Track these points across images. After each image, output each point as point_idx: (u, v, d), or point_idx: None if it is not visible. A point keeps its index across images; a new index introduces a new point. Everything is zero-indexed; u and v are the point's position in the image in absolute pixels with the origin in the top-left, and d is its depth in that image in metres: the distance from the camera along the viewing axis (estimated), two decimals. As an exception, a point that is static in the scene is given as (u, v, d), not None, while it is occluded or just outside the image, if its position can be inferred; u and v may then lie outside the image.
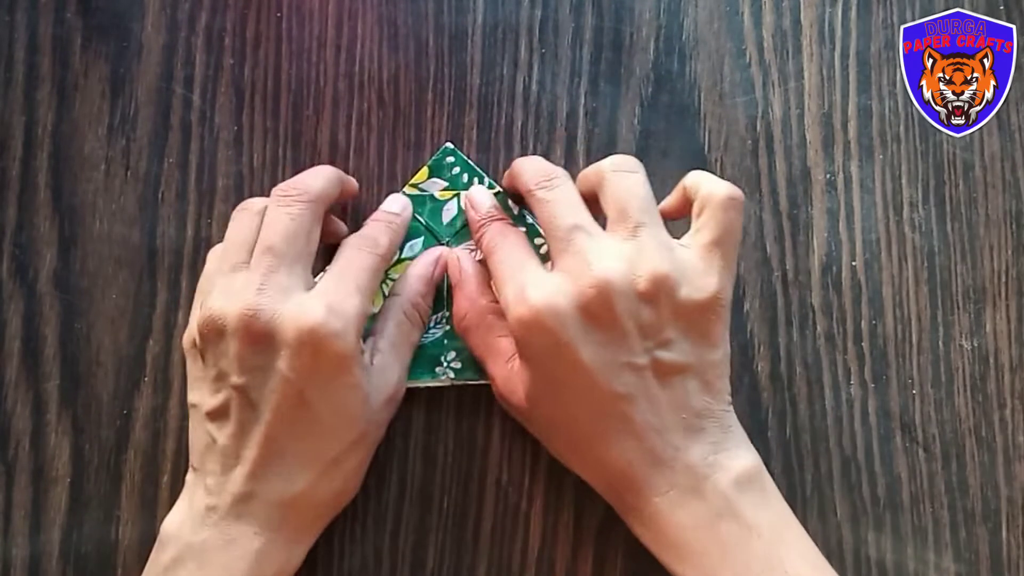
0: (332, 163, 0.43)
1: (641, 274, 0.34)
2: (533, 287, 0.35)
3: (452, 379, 0.40)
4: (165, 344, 0.42)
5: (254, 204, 0.38)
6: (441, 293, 0.41)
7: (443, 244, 0.41)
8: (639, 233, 0.35)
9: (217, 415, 0.35)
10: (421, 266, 0.40)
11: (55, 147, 0.43)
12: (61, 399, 0.42)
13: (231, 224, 0.38)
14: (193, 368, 0.37)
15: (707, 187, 0.36)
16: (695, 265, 0.35)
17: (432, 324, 0.41)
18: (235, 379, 0.34)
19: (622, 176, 0.36)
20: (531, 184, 0.37)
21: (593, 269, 0.34)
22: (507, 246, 0.38)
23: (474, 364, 0.40)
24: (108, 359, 0.42)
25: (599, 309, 0.34)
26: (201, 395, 0.36)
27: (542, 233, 0.41)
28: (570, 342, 0.34)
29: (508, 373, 0.38)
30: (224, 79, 0.43)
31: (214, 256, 0.39)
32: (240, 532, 0.34)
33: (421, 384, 0.41)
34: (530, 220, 0.42)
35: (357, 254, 0.37)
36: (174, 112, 0.43)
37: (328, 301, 0.34)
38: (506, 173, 0.40)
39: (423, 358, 0.40)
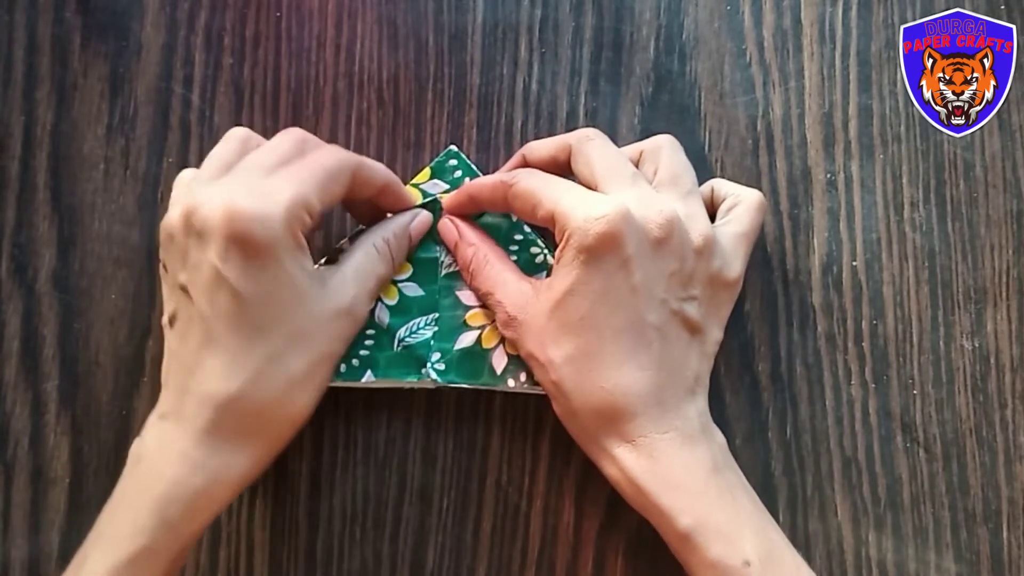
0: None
1: (695, 230, 0.37)
2: (602, 202, 0.35)
3: (436, 380, 0.40)
4: (164, 344, 0.42)
5: (241, 132, 0.38)
6: (433, 296, 0.41)
7: (439, 246, 0.41)
8: (690, 199, 0.38)
9: (172, 320, 0.36)
10: (404, 215, 0.40)
11: (54, 147, 0.43)
12: (60, 399, 0.42)
13: (217, 145, 0.38)
14: (164, 288, 0.37)
15: (741, 189, 0.40)
16: (726, 247, 0.38)
17: (421, 325, 0.41)
18: (180, 278, 0.35)
19: (674, 149, 0.39)
20: (578, 137, 0.39)
21: (662, 204, 0.36)
22: (542, 180, 0.38)
23: (457, 367, 0.40)
24: (107, 359, 0.42)
25: (662, 236, 0.35)
26: (167, 308, 0.37)
27: (539, 243, 0.41)
28: (631, 259, 0.35)
29: (523, 291, 0.38)
30: (223, 78, 0.43)
31: (181, 181, 0.38)
32: (175, 435, 0.34)
33: (406, 384, 0.40)
34: (527, 229, 0.41)
35: (315, 154, 0.37)
36: (173, 112, 0.43)
37: (257, 190, 0.34)
38: (518, 154, 0.41)
39: (409, 358, 0.40)
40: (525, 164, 0.40)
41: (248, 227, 0.33)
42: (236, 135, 0.38)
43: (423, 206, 0.41)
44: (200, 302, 0.34)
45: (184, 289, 0.35)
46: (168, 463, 0.34)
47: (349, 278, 0.37)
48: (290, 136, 0.37)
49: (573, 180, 0.38)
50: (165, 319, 0.37)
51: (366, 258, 0.38)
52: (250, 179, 0.35)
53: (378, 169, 0.39)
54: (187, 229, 0.34)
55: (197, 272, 0.34)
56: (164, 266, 0.36)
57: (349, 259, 0.38)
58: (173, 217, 0.35)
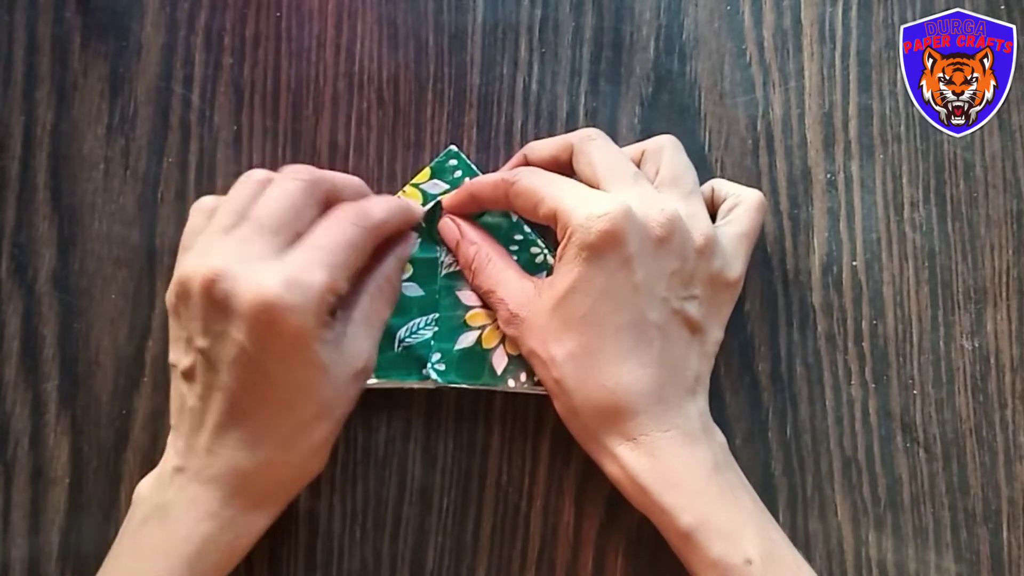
0: (332, 163, 0.43)
1: (696, 229, 0.37)
2: (604, 200, 0.35)
3: (437, 381, 0.40)
4: (164, 344, 0.42)
5: (258, 174, 0.36)
6: (432, 296, 0.41)
7: (439, 246, 0.41)
8: (691, 199, 0.38)
9: (188, 375, 0.35)
10: (399, 247, 0.40)
11: (54, 147, 0.43)
12: (60, 399, 0.42)
13: (232, 188, 0.36)
14: (173, 326, 0.36)
15: (741, 189, 0.40)
16: (727, 247, 0.38)
17: (421, 325, 0.41)
18: (199, 342, 0.34)
19: (676, 149, 0.39)
20: (579, 137, 0.39)
21: (664, 203, 0.36)
22: (543, 178, 0.38)
23: (457, 367, 0.40)
24: (107, 359, 0.42)
25: (664, 235, 0.36)
26: (177, 354, 0.36)
27: (540, 243, 0.41)
28: (632, 257, 0.35)
29: (525, 288, 0.38)
30: (223, 78, 0.43)
31: (200, 212, 0.37)
32: (202, 495, 0.35)
33: (406, 385, 0.40)
34: (528, 229, 0.42)
35: (337, 225, 0.35)
36: (173, 112, 0.43)
37: (289, 274, 0.33)
38: (520, 154, 0.41)
39: (410, 359, 0.40)
40: (526, 164, 0.40)
41: (281, 317, 0.32)
42: (255, 178, 0.36)
43: (427, 212, 0.41)
44: (224, 376, 0.34)
45: (203, 354, 0.34)
46: (197, 522, 0.34)
47: (362, 333, 0.37)
48: (300, 181, 0.36)
49: (575, 180, 0.38)
50: (177, 367, 0.36)
51: (372, 304, 0.37)
52: (271, 250, 0.34)
53: (393, 219, 0.38)
54: (207, 296, 0.33)
55: (220, 344, 0.33)
56: (177, 313, 0.35)
57: (358, 308, 0.37)
58: (193, 278, 0.33)
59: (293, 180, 0.36)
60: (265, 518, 0.36)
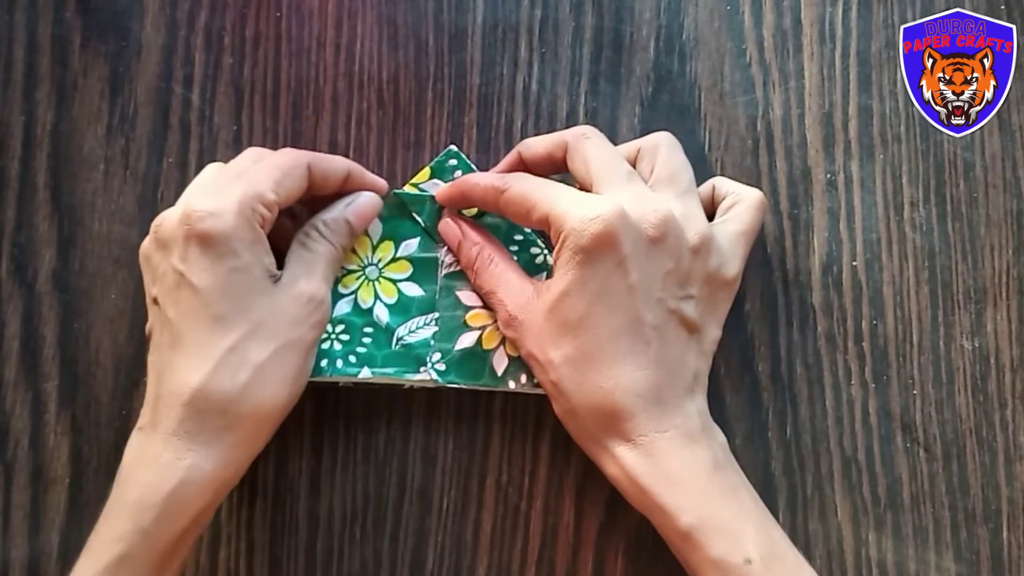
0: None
1: (691, 228, 0.37)
2: (597, 202, 0.35)
3: (435, 380, 0.40)
4: (164, 344, 0.42)
5: (254, 153, 0.40)
6: (432, 296, 0.41)
7: (439, 246, 0.41)
8: (687, 198, 0.38)
9: (149, 336, 0.37)
10: (339, 200, 0.40)
11: (54, 147, 0.43)
12: (60, 399, 0.42)
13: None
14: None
15: (741, 187, 0.40)
16: (724, 245, 0.38)
17: (420, 324, 0.41)
18: (152, 291, 0.36)
19: (672, 147, 0.39)
20: (574, 134, 0.39)
21: (657, 203, 0.36)
22: (534, 184, 0.38)
23: (458, 367, 0.40)
24: (107, 359, 0.42)
25: (657, 235, 0.36)
26: (148, 326, 0.38)
27: (539, 244, 0.41)
28: (627, 259, 0.35)
29: (525, 291, 0.38)
30: (223, 78, 0.43)
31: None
32: (147, 441, 0.35)
33: (404, 382, 0.40)
34: (528, 229, 0.41)
35: (278, 153, 0.39)
36: (173, 112, 0.43)
37: (209, 189, 0.36)
38: (514, 151, 0.41)
39: (408, 356, 0.40)
40: (521, 161, 0.40)
41: (202, 221, 0.34)
42: (252, 152, 0.39)
43: (414, 199, 0.41)
44: (166, 307, 0.35)
45: (156, 301, 0.36)
46: (140, 469, 0.35)
47: (299, 270, 0.38)
48: (249, 152, 0.39)
49: (569, 178, 0.38)
50: (148, 336, 0.38)
51: (302, 248, 0.38)
52: (207, 187, 0.37)
53: (335, 160, 0.40)
54: (156, 243, 0.37)
55: (164, 280, 0.36)
56: (146, 290, 0.38)
57: (289, 253, 0.38)
58: (146, 239, 0.38)
59: (245, 152, 0.39)
60: (212, 462, 0.34)
